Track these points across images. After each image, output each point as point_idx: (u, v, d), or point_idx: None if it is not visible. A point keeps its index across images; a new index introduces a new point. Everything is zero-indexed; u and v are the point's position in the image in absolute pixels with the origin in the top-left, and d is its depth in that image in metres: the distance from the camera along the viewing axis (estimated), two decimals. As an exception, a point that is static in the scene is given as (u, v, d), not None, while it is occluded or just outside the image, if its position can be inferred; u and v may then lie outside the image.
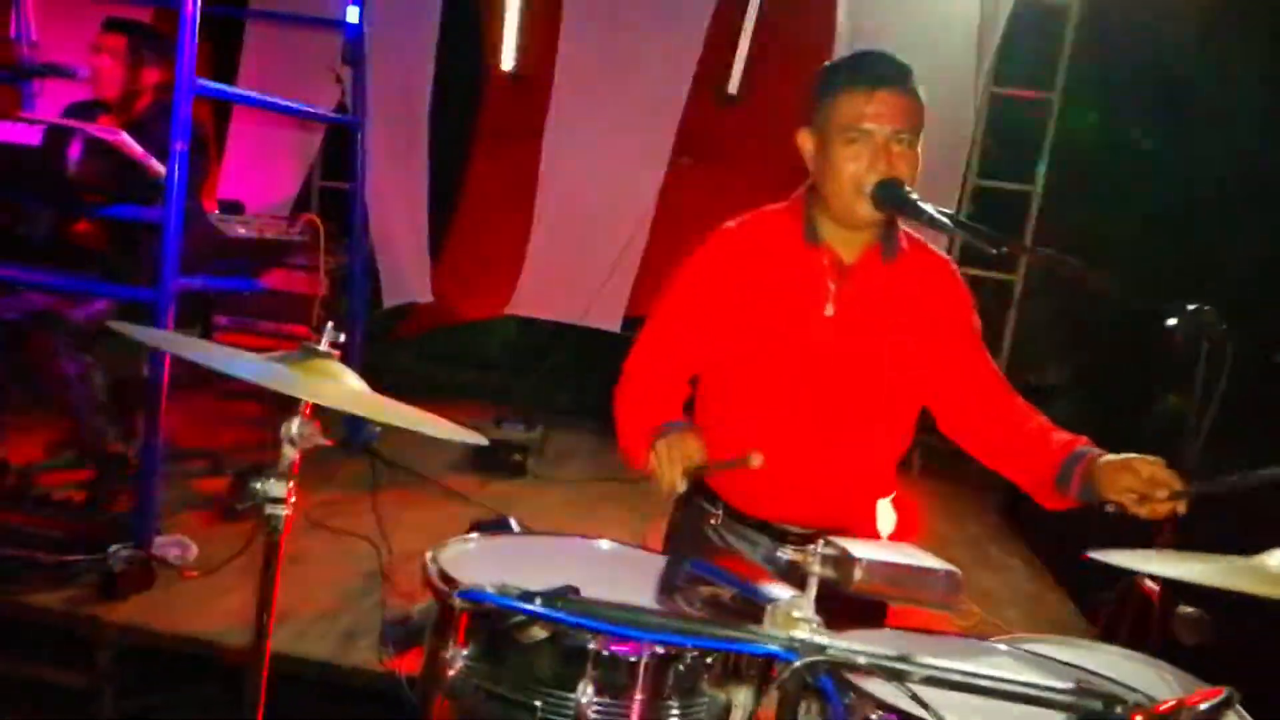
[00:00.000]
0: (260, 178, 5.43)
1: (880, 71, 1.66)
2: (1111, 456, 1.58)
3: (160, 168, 2.94)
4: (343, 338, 1.44)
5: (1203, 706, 0.90)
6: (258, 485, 1.38)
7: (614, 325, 5.35)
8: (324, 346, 1.43)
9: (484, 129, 5.77)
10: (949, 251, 1.95)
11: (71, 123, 2.88)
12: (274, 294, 4.19)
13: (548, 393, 5.96)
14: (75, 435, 3.43)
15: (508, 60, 5.44)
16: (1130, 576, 1.95)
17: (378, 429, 4.65)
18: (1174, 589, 1.82)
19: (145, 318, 3.08)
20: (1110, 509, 1.56)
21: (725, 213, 1.88)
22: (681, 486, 1.53)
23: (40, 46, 4.81)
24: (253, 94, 3.89)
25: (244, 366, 1.32)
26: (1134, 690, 1.23)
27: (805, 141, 1.75)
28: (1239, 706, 1.23)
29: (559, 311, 5.50)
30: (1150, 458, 1.55)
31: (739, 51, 4.76)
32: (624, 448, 1.72)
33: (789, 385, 1.74)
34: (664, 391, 1.78)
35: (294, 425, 1.39)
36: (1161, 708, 0.93)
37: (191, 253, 2.96)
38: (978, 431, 1.80)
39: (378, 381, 1.47)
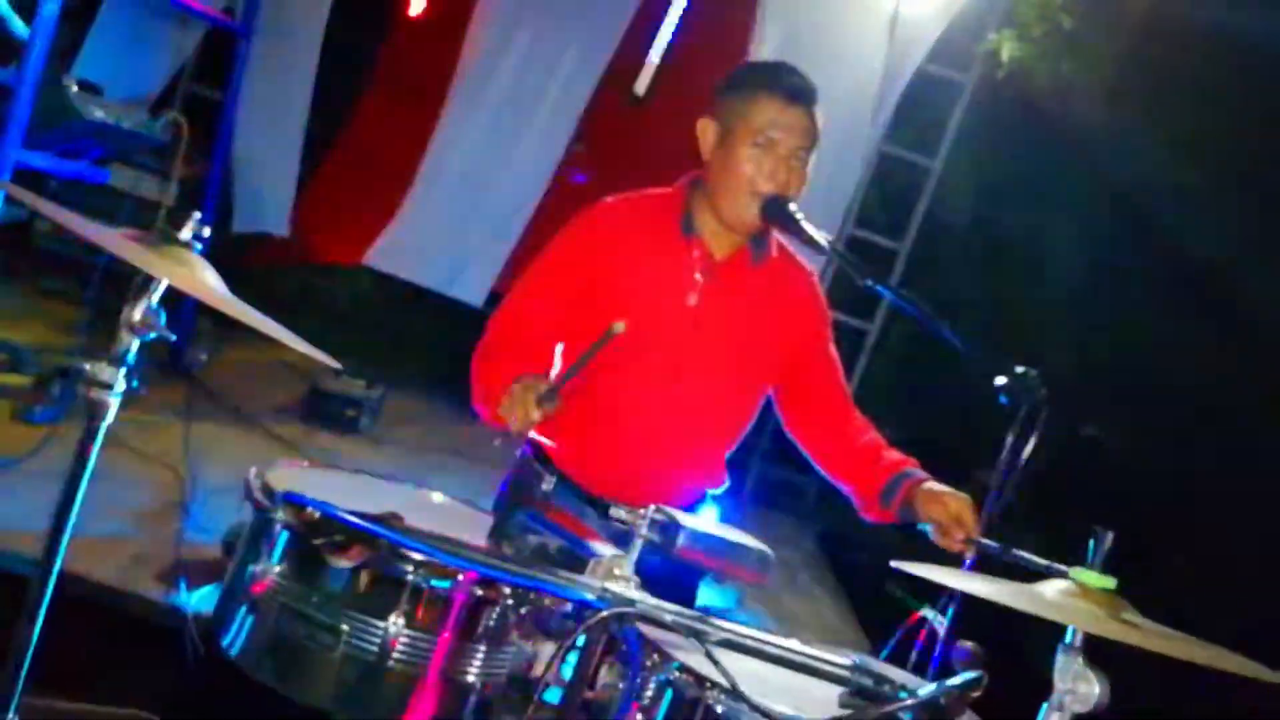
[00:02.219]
0: (125, 64, 5.02)
1: (800, 86, 1.74)
2: (932, 485, 1.70)
3: (21, 27, 2.70)
4: (207, 232, 1.37)
5: (956, 682, 1.00)
6: (87, 366, 1.29)
7: (477, 299, 5.27)
8: (185, 235, 1.36)
9: (381, 70, 5.59)
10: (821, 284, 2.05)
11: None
12: (115, 193, 3.91)
13: (394, 356, 5.81)
14: None
15: (418, 4, 5.29)
16: (918, 615, 2.11)
17: (203, 356, 4.40)
18: (958, 626, 1.97)
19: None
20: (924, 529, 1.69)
21: (604, 188, 1.90)
22: (536, 415, 1.49)
23: None
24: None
25: (100, 234, 1.24)
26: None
27: (706, 131, 1.80)
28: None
29: (422, 274, 5.36)
30: (962, 495, 1.68)
31: (650, 56, 4.82)
32: (477, 402, 1.72)
33: (641, 366, 1.78)
34: (524, 354, 1.78)
35: (138, 310, 1.32)
36: (922, 691, 1.03)
37: (39, 125, 2.73)
38: (814, 436, 1.90)
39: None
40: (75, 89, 2.99)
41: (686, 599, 1.75)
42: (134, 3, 5.00)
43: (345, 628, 1.24)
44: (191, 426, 3.59)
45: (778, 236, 1.87)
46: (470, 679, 1.30)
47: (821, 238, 1.72)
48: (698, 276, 1.79)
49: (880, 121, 5.29)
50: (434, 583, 1.26)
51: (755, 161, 1.71)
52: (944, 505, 1.65)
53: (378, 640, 1.24)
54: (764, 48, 4.93)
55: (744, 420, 1.90)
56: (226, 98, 4.30)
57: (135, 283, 1.34)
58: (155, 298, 1.35)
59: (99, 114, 2.95)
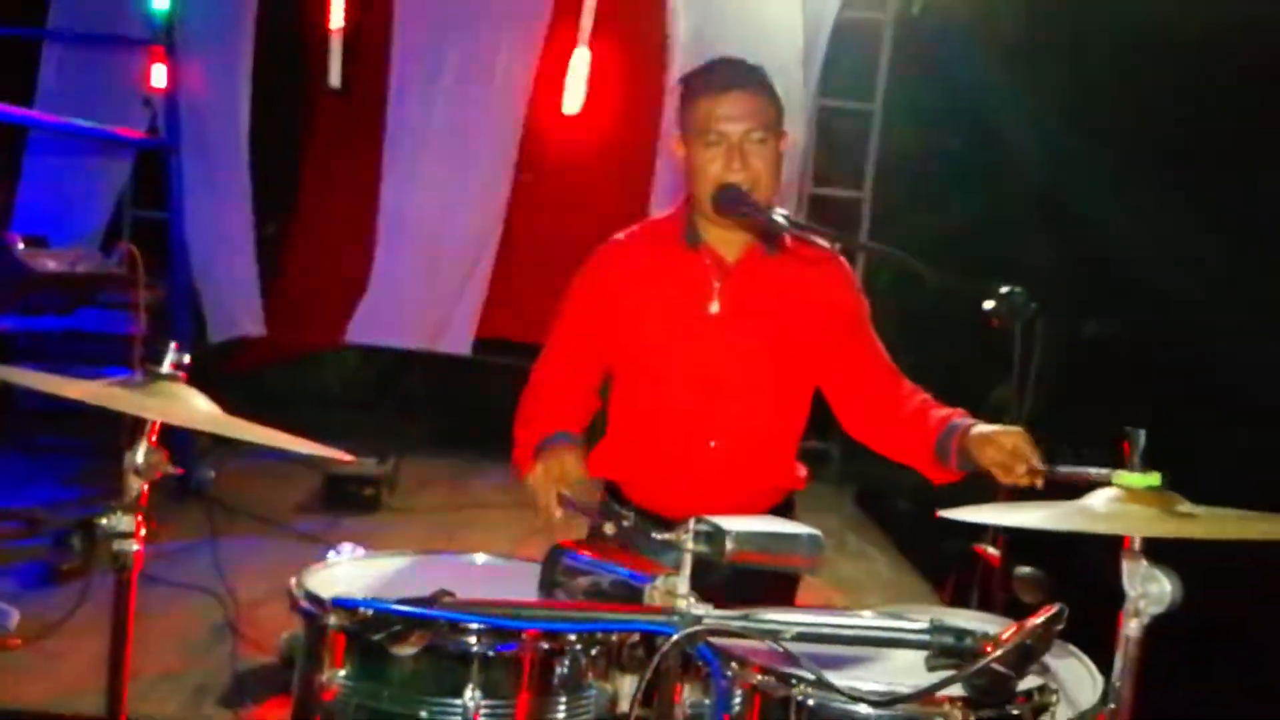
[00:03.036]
0: (63, 208, 5.02)
1: (730, 74, 1.75)
2: (982, 428, 1.66)
3: (-48, 199, 2.69)
4: (187, 359, 1.36)
5: (1039, 621, 0.99)
6: (104, 521, 1.28)
7: (464, 349, 5.26)
8: (167, 368, 1.35)
9: (313, 149, 5.57)
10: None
11: None
12: (86, 335, 3.89)
13: (398, 425, 5.79)
14: None
15: (335, 77, 5.28)
16: (971, 549, 2.10)
17: (212, 473, 4.37)
18: (1012, 553, 1.96)
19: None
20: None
21: (572, 230, 1.92)
22: (558, 514, 1.54)
23: None
24: (51, 117, 3.62)
25: (84, 389, 1.23)
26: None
27: (678, 149, 1.82)
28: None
29: (404, 337, 5.36)
30: (1014, 429, 1.63)
31: (574, 67, 4.82)
32: (514, 460, 1.75)
33: (685, 383, 1.79)
34: (562, 404, 1.81)
35: (139, 453, 1.31)
36: (1005, 635, 1.02)
37: (-5, 290, 2.71)
38: (871, 421, 1.87)
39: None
40: (21, 246, 2.98)
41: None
42: (57, 148, 5.00)
43: (424, 714, 1.24)
44: (218, 545, 3.57)
45: (822, 241, 1.87)
46: (557, 731, 1.29)
47: (778, 215, 1.72)
48: (715, 283, 1.80)
49: (812, 77, 5.30)
50: (499, 648, 1.25)
51: (712, 159, 1.73)
52: (998, 444, 1.62)
53: (459, 717, 1.23)
54: (680, 31, 4.93)
55: (799, 413, 1.88)
56: (171, 215, 4.29)
57: (129, 426, 1.33)
58: (153, 437, 1.34)
59: (51, 265, 2.94)
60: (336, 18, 5.14)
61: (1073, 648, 1.46)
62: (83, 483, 4.38)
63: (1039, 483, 1.59)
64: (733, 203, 1.71)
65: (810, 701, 1.15)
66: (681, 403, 1.80)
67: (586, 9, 4.85)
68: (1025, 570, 1.95)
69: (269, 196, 5.32)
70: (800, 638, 1.03)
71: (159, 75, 4.26)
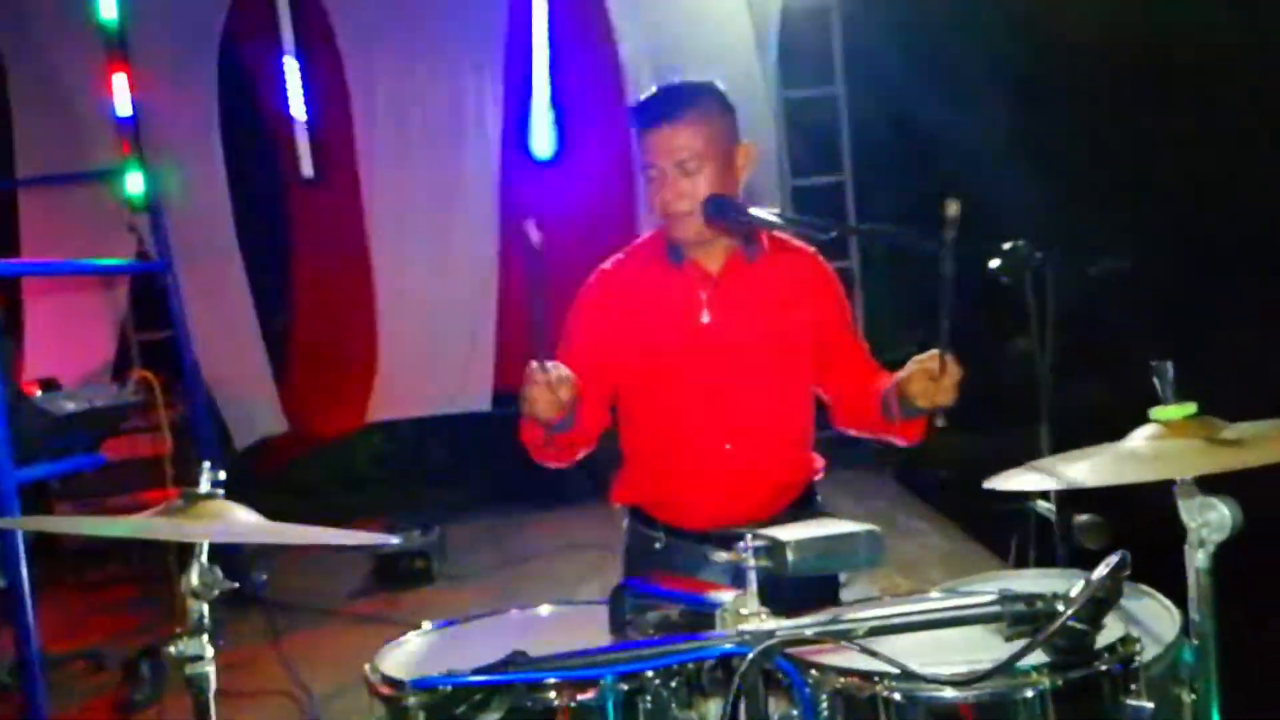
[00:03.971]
0: (70, 347, 5.10)
1: (654, 112, 1.80)
2: (900, 374, 1.71)
3: (-38, 362, 2.74)
4: (223, 475, 1.38)
5: (1104, 572, 0.99)
6: (174, 649, 1.30)
7: (484, 405, 5.29)
8: (205, 488, 1.37)
9: (299, 240, 5.65)
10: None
11: None
12: (117, 466, 3.93)
13: (433, 493, 5.81)
14: None
15: (307, 166, 5.35)
16: (1025, 504, 2.09)
17: (264, 577, 4.40)
18: (1067, 503, 1.96)
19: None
20: (940, 422, 1.67)
21: (567, 270, 1.95)
22: (551, 404, 1.56)
23: None
24: (50, 263, 3.69)
25: (129, 525, 1.25)
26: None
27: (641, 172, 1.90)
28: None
29: (424, 406, 5.40)
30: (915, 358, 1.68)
31: (536, 112, 4.88)
32: (531, 448, 1.78)
33: (690, 395, 1.83)
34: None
35: (194, 575, 1.32)
36: (1074, 592, 1.02)
37: (23, 442, 2.75)
38: (850, 405, 1.91)
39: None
40: (39, 394, 3.03)
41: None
42: (53, 290, 5.08)
43: (520, 775, 1.23)
44: (284, 645, 3.59)
45: (812, 232, 1.91)
46: (652, 768, 1.29)
47: (768, 214, 1.75)
48: (702, 294, 1.84)
49: (770, 71, 5.34)
50: (580, 699, 1.25)
51: (654, 192, 1.80)
52: (910, 374, 1.66)
53: (555, 773, 1.23)
54: (626, 53, 4.98)
55: (806, 409, 1.91)
56: (176, 332, 4.34)
57: (175, 548, 1.35)
58: (204, 556, 1.36)
59: (70, 406, 2.98)
60: (297, 108, 5.23)
61: (1145, 588, 1.45)
62: (138, 611, 4.42)
63: (952, 369, 1.61)
64: (721, 212, 1.73)
65: (896, 695, 1.15)
66: (690, 414, 1.84)
67: (538, 51, 4.92)
68: (1084, 518, 1.94)
69: (268, 293, 5.38)
70: (874, 633, 1.03)
71: (135, 183, 4.31)
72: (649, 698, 1.31)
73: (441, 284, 5.28)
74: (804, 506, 1.89)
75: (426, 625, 1.58)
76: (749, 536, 1.19)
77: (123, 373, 4.90)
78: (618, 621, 1.33)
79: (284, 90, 5.18)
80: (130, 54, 4.94)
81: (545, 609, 1.65)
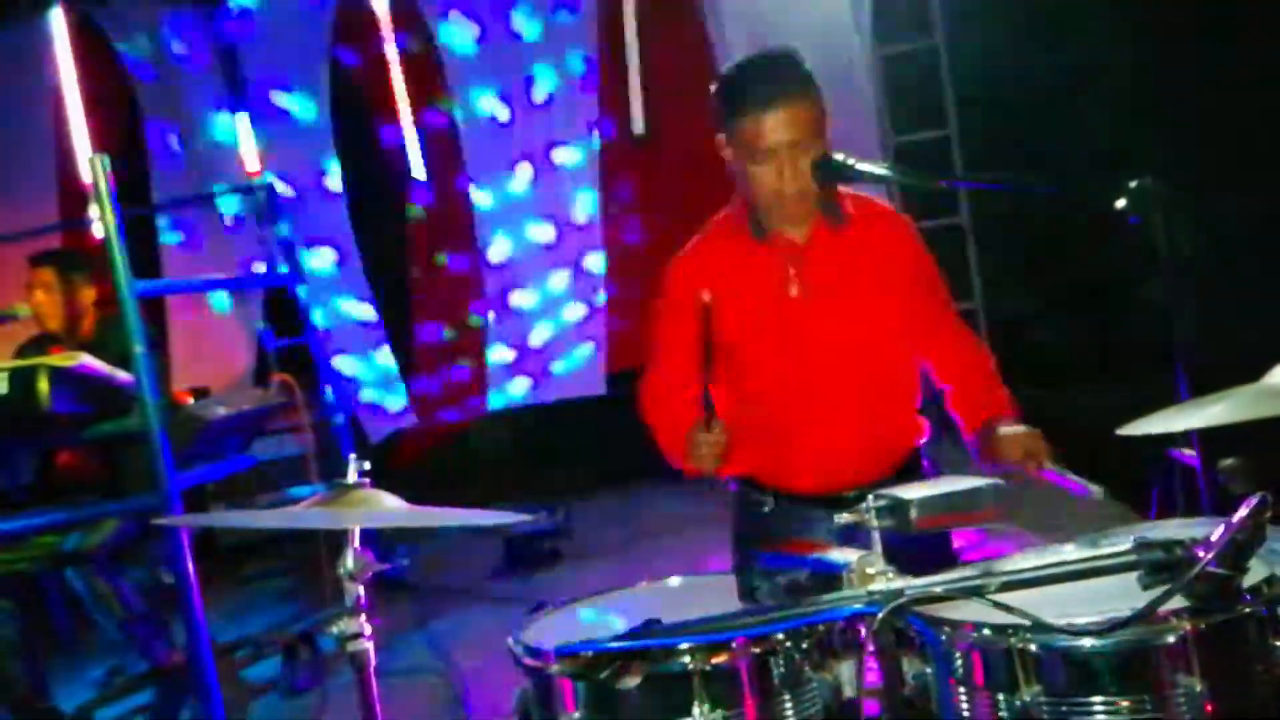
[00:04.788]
0: (213, 359, 5.45)
1: (769, 92, 1.75)
2: (1005, 429, 1.78)
3: (126, 376, 2.97)
4: (368, 465, 1.48)
5: (1243, 512, 0.96)
6: (334, 629, 1.40)
7: (598, 388, 5.40)
8: (352, 479, 1.47)
9: (413, 240, 5.87)
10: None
11: (31, 361, 2.91)
12: (266, 465, 4.20)
13: (556, 476, 5.96)
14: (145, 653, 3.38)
15: (418, 169, 5.54)
16: (1165, 454, 2.02)
17: (405, 561, 4.63)
18: (1210, 447, 1.88)
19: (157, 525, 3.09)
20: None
21: (669, 248, 1.98)
22: (716, 456, 1.66)
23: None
24: (190, 280, 3.95)
25: (287, 516, 1.35)
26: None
27: (723, 149, 1.86)
28: None
29: (541, 394, 5.54)
30: (1033, 431, 1.78)
31: (631, 90, 4.91)
32: (676, 464, 1.83)
33: (786, 367, 1.84)
34: (674, 416, 1.85)
35: (348, 560, 1.42)
36: (1214, 536, 0.99)
37: (178, 447, 2.97)
38: (946, 376, 1.92)
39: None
40: (192, 401, 3.27)
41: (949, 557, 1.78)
42: (194, 305, 5.43)
43: (662, 738, 1.28)
44: (428, 626, 3.77)
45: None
46: (791, 729, 1.32)
47: (880, 169, 1.74)
48: (790, 268, 1.83)
49: (865, 27, 5.22)
50: (714, 663, 1.29)
51: (764, 175, 1.76)
52: (1005, 450, 1.74)
53: (692, 735, 1.27)
54: (718, 16, 4.94)
55: (905, 372, 1.91)
56: (309, 338, 4.59)
57: (323, 540, 1.45)
58: (356, 541, 1.46)
59: (221, 411, 3.20)
60: (406, 115, 5.43)
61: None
62: (292, 601, 4.72)
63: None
64: (836, 172, 1.72)
65: (1032, 647, 1.15)
66: (787, 385, 1.84)
67: (629, 34, 4.94)
68: (1229, 461, 1.86)
69: (390, 294, 5.62)
70: (1006, 588, 1.03)
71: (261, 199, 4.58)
72: (781, 660, 1.34)
73: (548, 269, 5.40)
74: (910, 472, 1.88)
75: (558, 602, 1.64)
76: (871, 496, 1.20)
77: (263, 378, 5.22)
78: (747, 588, 1.36)
79: (391, 95, 5.37)
80: (247, 74, 5.24)
81: (675, 580, 1.70)
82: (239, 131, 5.26)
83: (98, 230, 5.00)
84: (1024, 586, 1.04)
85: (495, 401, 5.53)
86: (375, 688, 1.46)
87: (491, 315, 5.52)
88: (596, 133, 5.30)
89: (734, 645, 1.31)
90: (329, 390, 4.63)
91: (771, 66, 1.80)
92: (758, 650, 1.32)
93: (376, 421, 5.56)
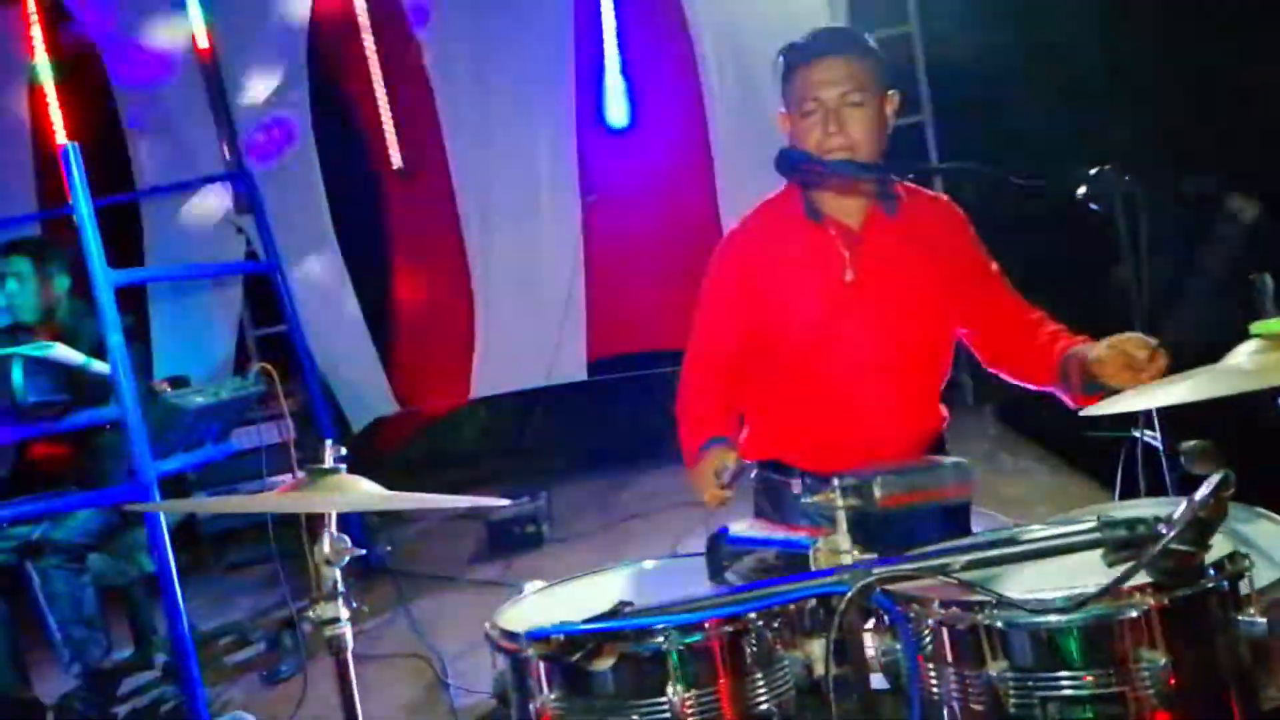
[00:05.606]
0: (193, 346, 5.42)
1: (820, 43, 1.79)
2: (1092, 346, 1.67)
3: (102, 366, 2.95)
4: (344, 451, 1.48)
5: (1205, 490, 0.98)
6: (312, 614, 1.41)
7: (580, 374, 5.41)
8: (329, 464, 1.47)
9: (394, 228, 5.84)
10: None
11: (4, 351, 2.88)
12: (246, 454, 4.18)
13: (538, 461, 5.97)
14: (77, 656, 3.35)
15: (396, 158, 5.52)
16: (1131, 434, 2.04)
17: (389, 547, 4.63)
18: (1172, 430, 1.91)
19: (134, 514, 3.08)
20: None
21: (648, 237, 1.98)
22: (725, 495, 1.63)
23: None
24: (168, 269, 3.92)
25: (264, 502, 1.36)
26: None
27: (783, 124, 1.87)
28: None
29: (523, 380, 5.54)
30: (1122, 336, 1.63)
31: (609, 82, 4.91)
32: (685, 452, 1.84)
33: (832, 352, 1.85)
34: (718, 401, 1.88)
35: (325, 544, 1.43)
36: (1176, 514, 1.02)
37: (158, 436, 2.96)
38: (1000, 350, 1.91)
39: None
40: (169, 390, 3.25)
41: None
42: (174, 293, 5.40)
43: (636, 717, 1.30)
44: (411, 611, 3.78)
45: (898, 179, 1.89)
46: (765, 707, 1.34)
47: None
48: (844, 252, 1.83)
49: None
50: (687, 643, 1.30)
51: (811, 128, 1.77)
52: (1107, 357, 1.61)
53: (669, 712, 1.29)
54: (694, 19, 4.94)
55: (944, 359, 1.93)
56: (289, 326, 4.57)
57: (305, 526, 1.46)
58: (333, 526, 1.47)
59: (199, 400, 3.19)
60: (383, 103, 5.39)
61: (1262, 510, 1.42)
62: (276, 588, 4.71)
63: (1162, 364, 1.56)
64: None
65: (999, 623, 1.16)
66: (832, 369, 1.85)
67: (607, 19, 4.93)
68: (1191, 444, 1.88)
69: (370, 281, 5.60)
70: (970, 566, 1.04)
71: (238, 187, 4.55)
72: (753, 639, 1.36)
73: (531, 260, 5.39)
74: (934, 454, 1.90)
75: (538, 584, 1.66)
76: (836, 479, 1.22)
77: (243, 367, 5.20)
78: (716, 568, 1.38)
79: (369, 81, 5.34)
80: (223, 60, 5.19)
81: (649, 563, 1.72)
82: (214, 115, 5.19)
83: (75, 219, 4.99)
84: (990, 565, 1.06)
85: (478, 389, 5.53)
86: (353, 671, 1.47)
87: (473, 302, 5.51)
88: (574, 121, 5.28)
89: (706, 625, 1.33)
90: (309, 380, 4.61)
91: (828, 30, 1.85)
92: (730, 630, 1.34)
93: (358, 409, 5.55)
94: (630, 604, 1.14)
